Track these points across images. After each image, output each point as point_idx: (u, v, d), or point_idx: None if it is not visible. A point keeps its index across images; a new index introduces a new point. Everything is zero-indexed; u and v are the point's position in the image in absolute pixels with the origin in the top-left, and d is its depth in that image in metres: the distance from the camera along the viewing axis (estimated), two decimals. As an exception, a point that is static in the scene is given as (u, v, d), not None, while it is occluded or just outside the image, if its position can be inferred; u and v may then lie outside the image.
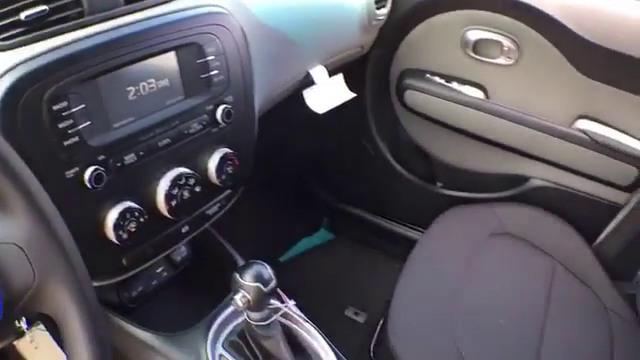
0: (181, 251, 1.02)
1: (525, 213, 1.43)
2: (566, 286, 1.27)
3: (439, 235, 1.35)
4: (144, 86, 0.70)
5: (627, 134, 1.32)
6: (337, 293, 1.62)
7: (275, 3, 0.99)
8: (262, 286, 0.76)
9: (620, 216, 1.37)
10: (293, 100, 1.18)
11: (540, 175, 1.45)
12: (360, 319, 1.57)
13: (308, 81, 1.17)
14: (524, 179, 1.47)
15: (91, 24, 0.67)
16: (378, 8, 1.29)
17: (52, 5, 0.63)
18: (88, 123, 0.64)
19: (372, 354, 1.39)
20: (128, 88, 0.68)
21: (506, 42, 1.35)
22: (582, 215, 1.41)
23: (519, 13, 1.29)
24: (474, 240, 1.32)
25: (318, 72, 1.16)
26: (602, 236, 1.40)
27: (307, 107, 1.20)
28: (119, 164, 0.68)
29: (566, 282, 1.28)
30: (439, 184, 1.61)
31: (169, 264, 1.00)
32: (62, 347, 0.75)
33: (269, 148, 1.15)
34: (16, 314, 0.48)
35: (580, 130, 1.33)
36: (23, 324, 0.49)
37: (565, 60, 1.30)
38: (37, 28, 0.62)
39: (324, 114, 1.24)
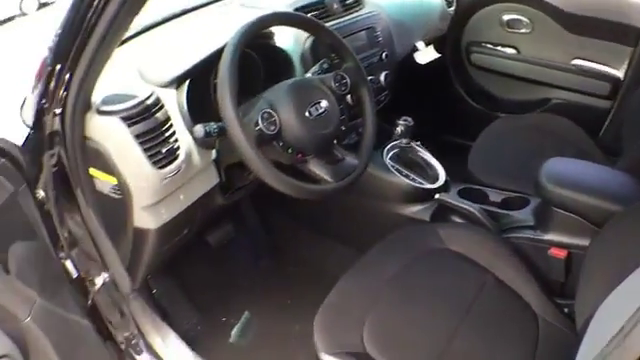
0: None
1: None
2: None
3: None
4: (358, 42, 1.78)
5: (600, 63, 2.22)
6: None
7: (398, 5, 2.07)
8: (407, 122, 1.79)
9: None
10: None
11: (555, 96, 2.36)
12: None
13: (416, 49, 2.23)
14: (547, 100, 2.39)
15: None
16: (449, 6, 2.34)
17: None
18: None
19: None
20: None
21: (524, 19, 2.31)
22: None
23: (532, 3, 2.27)
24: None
25: (420, 44, 2.23)
26: None
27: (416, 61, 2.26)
28: None
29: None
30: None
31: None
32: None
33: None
34: None
35: (574, 65, 2.27)
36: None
37: (559, 26, 2.23)
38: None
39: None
